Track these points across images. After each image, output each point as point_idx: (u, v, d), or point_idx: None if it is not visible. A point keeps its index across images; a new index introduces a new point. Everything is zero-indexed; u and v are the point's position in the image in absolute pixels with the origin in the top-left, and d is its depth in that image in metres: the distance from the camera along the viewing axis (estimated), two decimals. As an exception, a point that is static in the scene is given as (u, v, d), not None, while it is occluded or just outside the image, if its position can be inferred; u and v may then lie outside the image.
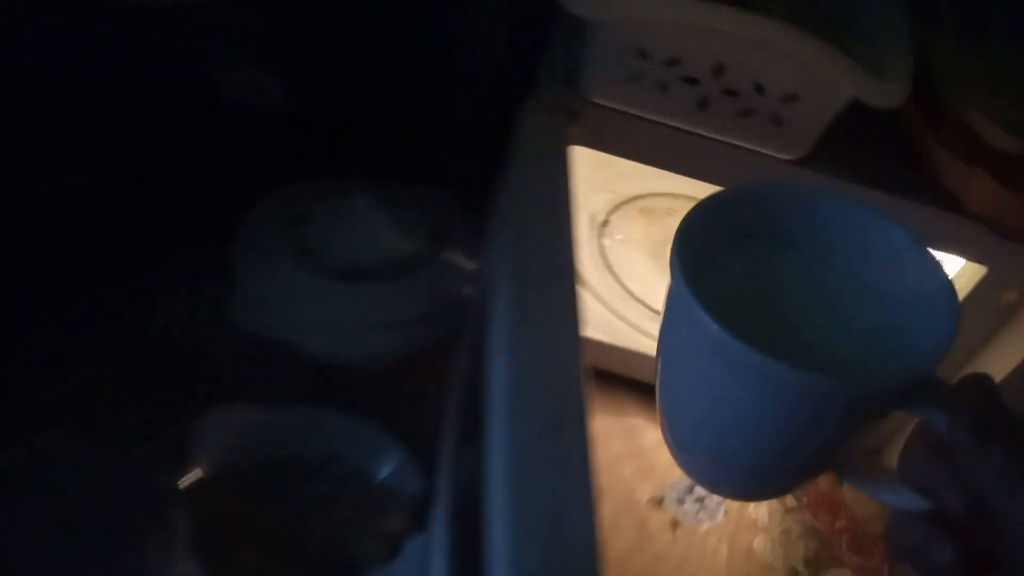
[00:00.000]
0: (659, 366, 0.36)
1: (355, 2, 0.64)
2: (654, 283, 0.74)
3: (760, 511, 0.67)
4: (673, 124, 0.53)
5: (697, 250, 0.33)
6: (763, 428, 0.32)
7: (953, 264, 0.60)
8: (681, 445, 0.37)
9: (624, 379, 0.71)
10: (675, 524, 0.64)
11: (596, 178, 0.78)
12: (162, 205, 0.62)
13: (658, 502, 0.65)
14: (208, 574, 0.46)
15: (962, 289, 0.59)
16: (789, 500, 0.68)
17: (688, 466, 0.39)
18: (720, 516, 0.65)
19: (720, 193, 0.36)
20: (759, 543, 0.65)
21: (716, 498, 0.66)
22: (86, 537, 0.47)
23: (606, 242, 0.77)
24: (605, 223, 0.78)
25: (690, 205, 0.35)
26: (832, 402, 0.30)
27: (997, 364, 0.61)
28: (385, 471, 0.56)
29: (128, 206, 0.61)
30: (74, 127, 0.62)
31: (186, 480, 0.51)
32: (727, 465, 0.36)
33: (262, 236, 0.59)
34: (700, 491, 0.66)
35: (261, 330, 0.56)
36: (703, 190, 0.37)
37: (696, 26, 0.46)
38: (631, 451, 0.68)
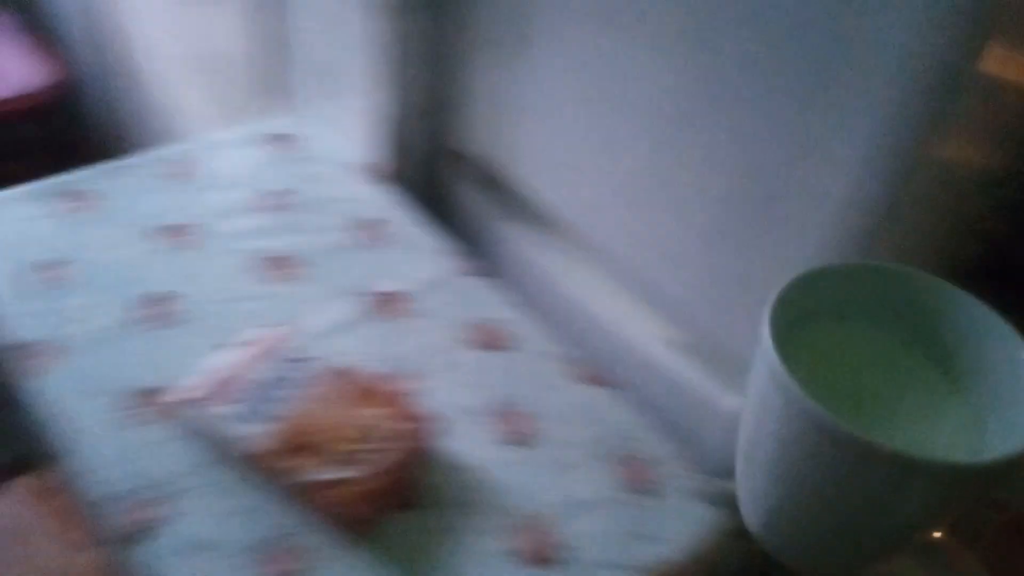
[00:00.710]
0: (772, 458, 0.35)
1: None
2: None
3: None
4: None
5: (790, 321, 0.34)
6: (847, 499, 0.32)
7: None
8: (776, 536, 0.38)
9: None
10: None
11: None
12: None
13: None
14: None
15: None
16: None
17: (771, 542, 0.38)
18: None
19: (816, 268, 0.37)
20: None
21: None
22: None
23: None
24: None
25: None
26: (931, 479, 0.30)
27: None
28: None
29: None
30: None
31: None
32: (810, 534, 0.36)
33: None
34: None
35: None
36: None
37: None
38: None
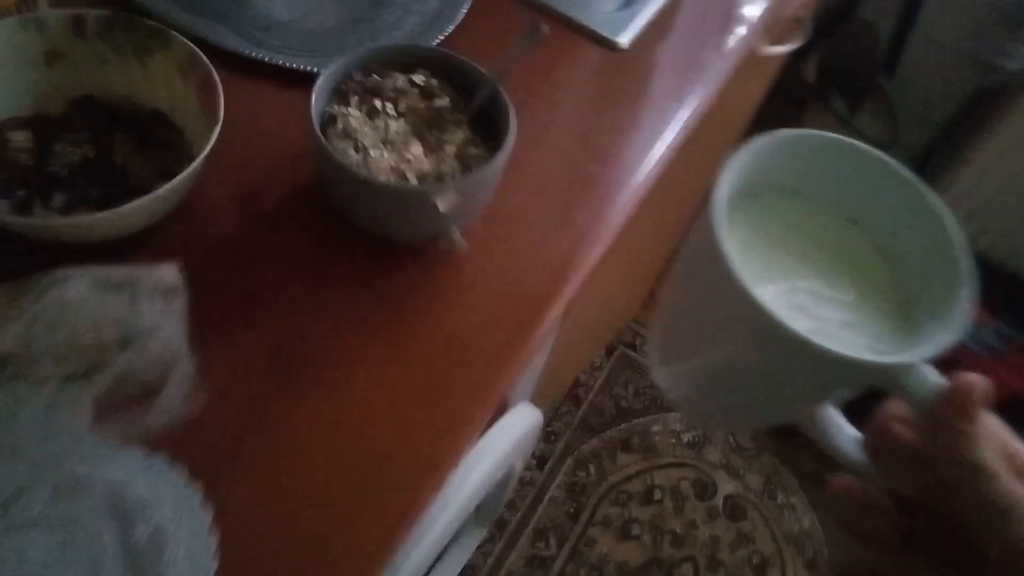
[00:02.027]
0: (677, 303, 0.37)
1: None
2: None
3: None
4: None
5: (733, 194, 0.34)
6: (751, 377, 0.34)
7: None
8: (668, 364, 0.39)
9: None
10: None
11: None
12: None
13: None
14: None
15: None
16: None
17: (665, 383, 0.40)
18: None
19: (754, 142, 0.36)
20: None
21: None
22: None
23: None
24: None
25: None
26: (833, 371, 0.31)
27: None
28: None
29: None
30: None
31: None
32: (707, 396, 0.38)
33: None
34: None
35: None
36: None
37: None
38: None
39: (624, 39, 0.86)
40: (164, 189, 0.54)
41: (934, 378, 0.31)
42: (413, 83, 0.64)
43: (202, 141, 0.59)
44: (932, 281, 0.34)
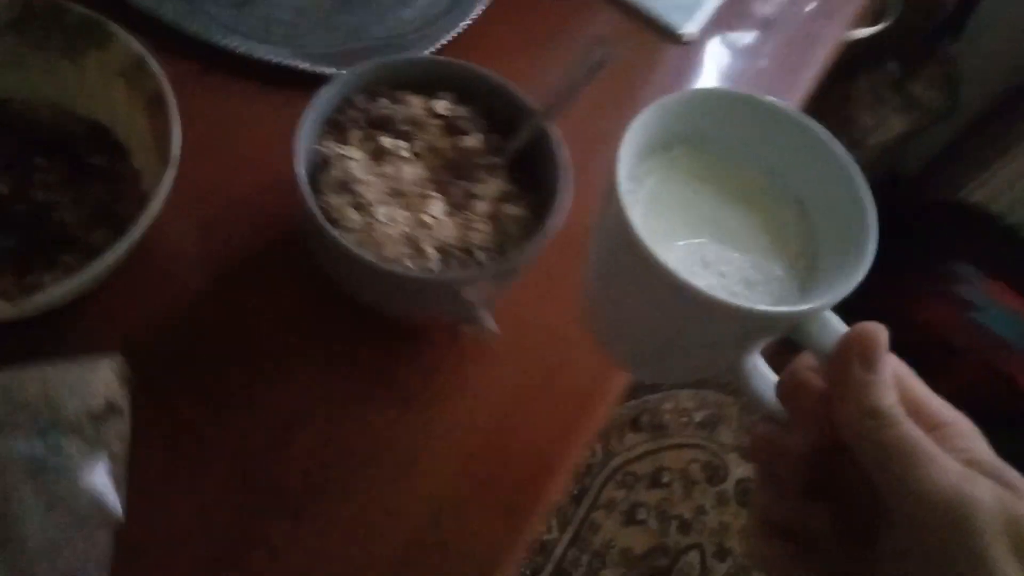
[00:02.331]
0: (592, 263, 0.38)
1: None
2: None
3: None
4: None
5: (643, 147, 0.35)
6: (674, 335, 0.35)
7: None
8: (600, 335, 0.41)
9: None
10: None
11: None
12: None
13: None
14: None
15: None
16: None
17: (606, 347, 0.41)
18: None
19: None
20: None
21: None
22: None
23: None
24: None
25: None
26: (737, 324, 0.32)
27: None
28: None
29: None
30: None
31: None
32: (641, 356, 0.40)
33: None
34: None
35: None
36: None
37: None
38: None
39: (690, 28, 0.69)
40: (100, 263, 0.39)
41: (837, 326, 0.31)
42: (434, 113, 0.48)
43: (153, 175, 0.44)
44: (839, 231, 0.35)
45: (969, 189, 1.55)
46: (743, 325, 0.32)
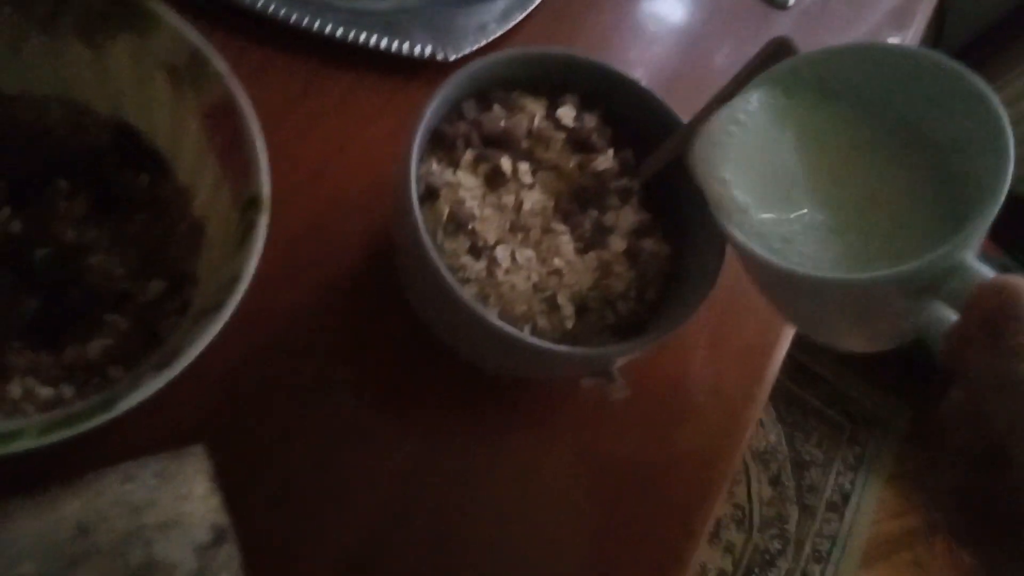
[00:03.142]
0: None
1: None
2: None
3: None
4: None
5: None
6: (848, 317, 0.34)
7: None
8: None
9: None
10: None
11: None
12: None
13: None
14: None
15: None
16: None
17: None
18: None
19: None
20: None
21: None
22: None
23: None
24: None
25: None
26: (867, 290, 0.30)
27: None
28: None
29: None
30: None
31: None
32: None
33: None
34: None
35: None
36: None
37: None
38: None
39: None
40: (193, 350, 0.31)
41: (978, 274, 0.27)
42: (559, 124, 0.40)
43: (211, 199, 0.35)
44: (975, 168, 0.31)
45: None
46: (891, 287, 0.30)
